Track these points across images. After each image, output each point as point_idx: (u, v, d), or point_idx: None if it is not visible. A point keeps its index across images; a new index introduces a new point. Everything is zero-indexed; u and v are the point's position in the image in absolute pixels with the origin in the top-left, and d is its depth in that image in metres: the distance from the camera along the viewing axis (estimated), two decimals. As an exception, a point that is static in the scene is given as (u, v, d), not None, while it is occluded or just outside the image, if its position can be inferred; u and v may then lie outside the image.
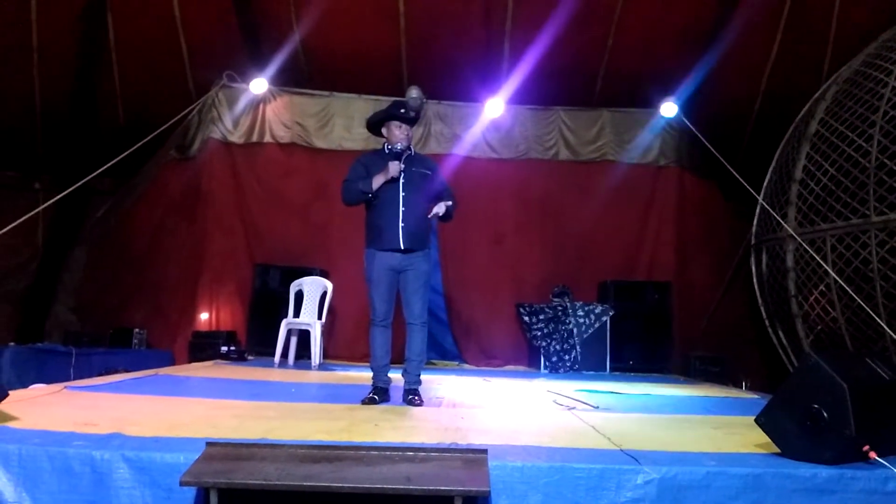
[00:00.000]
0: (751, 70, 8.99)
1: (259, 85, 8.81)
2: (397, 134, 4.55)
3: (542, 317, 8.39)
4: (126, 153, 7.15)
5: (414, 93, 8.93)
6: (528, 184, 9.19)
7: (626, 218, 9.19)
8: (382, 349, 4.56)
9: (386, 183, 4.45)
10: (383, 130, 4.65)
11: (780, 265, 7.43)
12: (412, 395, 4.44)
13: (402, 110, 4.63)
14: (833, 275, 6.37)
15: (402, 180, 4.48)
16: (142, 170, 9.12)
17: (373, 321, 4.55)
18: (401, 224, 4.42)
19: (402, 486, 2.36)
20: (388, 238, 4.44)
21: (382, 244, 4.47)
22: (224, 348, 7.66)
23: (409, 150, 4.64)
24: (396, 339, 4.66)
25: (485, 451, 2.65)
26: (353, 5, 8.62)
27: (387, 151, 4.56)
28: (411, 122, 4.67)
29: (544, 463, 2.69)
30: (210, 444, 2.62)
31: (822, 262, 6.49)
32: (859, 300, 5.93)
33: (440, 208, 4.47)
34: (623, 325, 8.48)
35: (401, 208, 4.43)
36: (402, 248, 4.42)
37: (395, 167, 4.43)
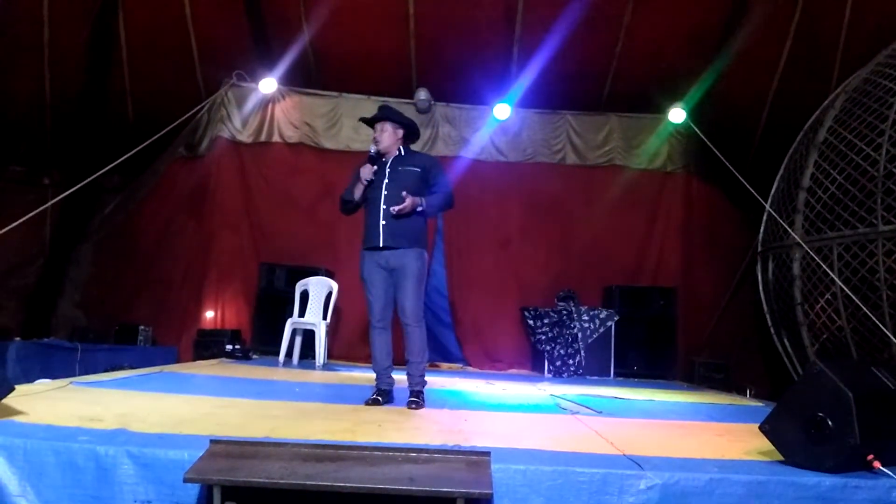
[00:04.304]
0: (760, 77, 8.97)
1: (268, 84, 8.84)
2: (374, 138, 4.61)
3: (546, 321, 8.39)
4: (135, 150, 7.18)
5: (422, 94, 8.95)
6: (534, 187, 9.18)
7: (633, 223, 9.18)
8: (382, 352, 4.56)
9: (373, 183, 4.51)
10: None
11: (786, 273, 7.41)
12: (413, 398, 4.41)
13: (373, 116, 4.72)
14: (839, 283, 6.35)
15: (385, 180, 4.50)
16: (150, 167, 9.16)
17: (370, 323, 4.57)
18: (381, 222, 4.43)
19: (404, 487, 2.37)
20: (371, 236, 4.49)
21: (367, 243, 4.53)
22: (229, 347, 7.68)
23: (400, 150, 4.64)
24: (398, 341, 4.65)
25: (488, 454, 2.65)
26: (362, 7, 8.65)
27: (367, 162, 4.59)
28: (381, 120, 4.62)
29: (547, 466, 2.69)
30: (214, 441, 2.62)
31: (828, 271, 6.46)
32: (865, 309, 5.91)
33: (403, 206, 4.33)
34: (628, 331, 8.46)
35: (381, 207, 4.45)
36: (381, 245, 4.42)
37: (365, 171, 4.50)
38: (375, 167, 4.51)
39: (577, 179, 9.27)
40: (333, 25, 8.70)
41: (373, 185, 4.51)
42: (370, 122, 4.70)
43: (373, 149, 4.54)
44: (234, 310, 8.75)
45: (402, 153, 4.65)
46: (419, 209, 4.43)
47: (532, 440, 3.34)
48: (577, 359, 8.19)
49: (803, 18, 8.41)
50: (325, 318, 7.43)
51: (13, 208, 7.00)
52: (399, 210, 4.33)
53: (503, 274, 9.07)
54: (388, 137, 4.58)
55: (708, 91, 8.74)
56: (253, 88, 8.98)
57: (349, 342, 8.62)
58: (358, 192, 4.53)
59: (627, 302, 8.57)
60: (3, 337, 7.93)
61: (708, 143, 8.09)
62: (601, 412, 4.69)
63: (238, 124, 9.08)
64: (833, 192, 6.71)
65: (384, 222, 4.43)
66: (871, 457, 2.79)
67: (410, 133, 4.76)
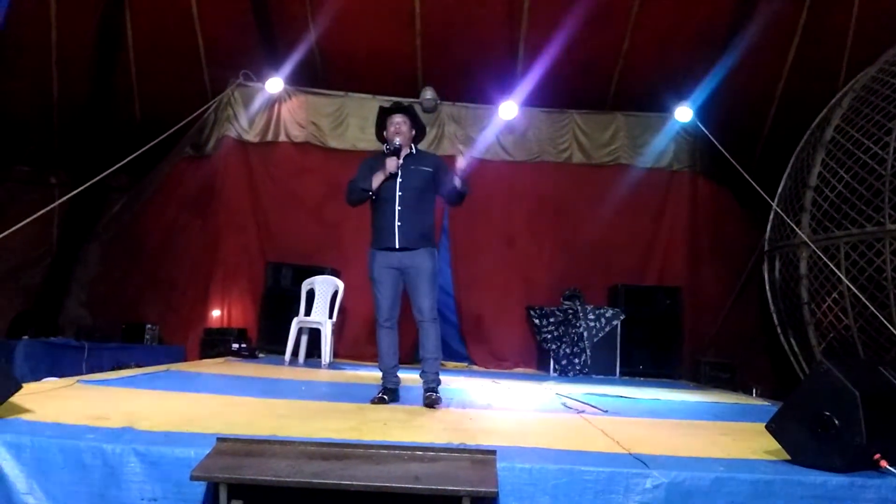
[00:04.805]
0: (767, 75, 8.95)
1: (274, 84, 8.86)
2: (391, 131, 4.55)
3: (552, 320, 8.38)
4: (142, 150, 7.19)
5: (428, 94, 8.95)
6: (540, 186, 9.18)
7: (639, 222, 9.17)
8: (389, 351, 4.52)
9: (386, 181, 4.45)
10: (384, 134, 4.66)
11: (793, 272, 7.39)
12: (431, 394, 4.37)
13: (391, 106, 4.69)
14: (846, 282, 6.33)
15: (399, 179, 4.45)
16: (157, 167, 9.19)
17: (378, 322, 4.53)
18: (397, 223, 4.40)
19: (410, 486, 2.37)
20: (385, 237, 4.44)
21: (380, 243, 4.48)
22: (235, 345, 7.70)
23: (412, 148, 4.63)
24: (404, 339, 4.64)
25: (493, 452, 2.65)
26: (368, 6, 8.66)
27: (385, 151, 4.52)
28: (404, 113, 4.63)
29: (553, 465, 2.69)
30: (221, 439, 2.63)
31: (835, 270, 6.45)
32: (873, 308, 5.89)
33: (461, 163, 4.46)
34: (633, 330, 8.46)
35: (397, 207, 4.41)
36: (397, 246, 4.40)
37: (391, 163, 4.42)
38: (401, 160, 4.48)
39: (583, 178, 9.25)
40: (340, 25, 8.72)
41: (385, 185, 4.46)
42: (389, 113, 4.65)
43: (397, 141, 4.48)
44: (240, 309, 8.77)
45: (414, 152, 4.64)
46: (462, 173, 4.46)
47: (537, 439, 3.34)
48: (583, 358, 8.18)
49: (810, 16, 8.38)
50: (331, 316, 7.43)
51: (20, 208, 7.03)
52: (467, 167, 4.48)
53: (509, 273, 9.06)
54: (406, 131, 4.57)
55: (715, 90, 8.72)
56: (259, 88, 9.00)
57: (355, 341, 8.62)
58: (376, 182, 4.45)
59: (633, 301, 8.57)
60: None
61: (714, 141, 8.07)
62: (607, 411, 4.68)
63: (244, 124, 9.10)
64: (840, 191, 6.69)
65: (399, 223, 4.39)
66: (877, 456, 2.78)
67: (418, 136, 4.75)
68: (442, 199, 4.64)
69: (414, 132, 4.67)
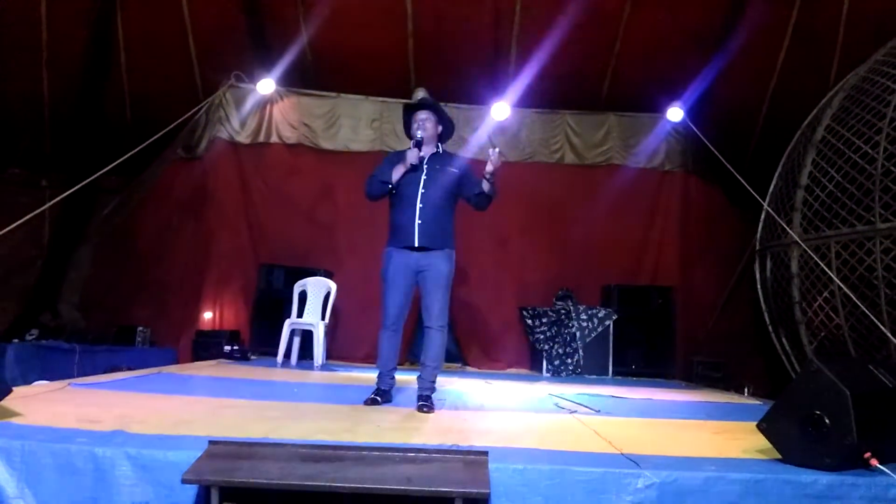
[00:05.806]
0: (758, 76, 8.98)
1: (266, 85, 8.83)
2: (414, 127, 4.52)
3: (545, 320, 8.39)
4: (133, 152, 7.17)
5: (420, 94, 8.93)
6: (533, 187, 9.16)
7: (631, 222, 9.18)
8: (389, 354, 4.45)
9: (409, 175, 4.39)
10: (409, 132, 4.62)
11: (784, 271, 7.41)
12: (423, 403, 4.28)
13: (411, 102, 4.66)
14: (837, 281, 6.35)
15: (423, 176, 4.39)
16: (148, 169, 9.14)
17: (383, 324, 4.44)
18: (417, 221, 4.32)
19: (402, 487, 2.37)
20: (404, 235, 4.36)
21: (398, 241, 4.40)
22: (227, 347, 7.67)
23: (438, 147, 4.60)
24: (403, 340, 4.59)
25: (486, 454, 2.65)
26: (360, 7, 8.64)
27: (410, 148, 4.47)
28: (428, 109, 4.59)
29: (545, 466, 2.70)
30: (212, 442, 2.62)
31: (826, 269, 6.47)
32: (863, 307, 5.92)
33: (490, 166, 4.24)
34: (626, 330, 8.46)
35: (418, 205, 4.34)
36: (417, 245, 4.32)
37: (412, 154, 4.36)
38: (425, 156, 4.45)
39: (576, 179, 9.25)
40: (332, 26, 8.70)
41: (407, 181, 4.40)
42: (414, 109, 4.62)
43: (419, 134, 4.44)
44: (232, 311, 8.74)
45: (440, 151, 4.61)
46: (488, 177, 4.29)
47: (530, 439, 3.35)
48: (576, 358, 8.19)
49: (801, 16, 8.41)
50: (323, 318, 7.43)
51: (12, 211, 6.99)
52: (495, 168, 4.24)
53: (501, 273, 9.05)
54: (431, 128, 4.53)
55: (706, 90, 8.74)
56: (251, 89, 8.97)
57: (347, 343, 8.59)
58: (396, 175, 4.39)
59: (626, 301, 8.57)
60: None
61: (706, 141, 8.09)
62: (599, 411, 4.69)
63: (236, 125, 9.08)
64: (831, 191, 6.71)
65: (420, 221, 4.33)
66: (868, 454, 2.79)
67: (446, 132, 4.70)
68: (468, 202, 4.57)
69: (440, 129, 4.61)
